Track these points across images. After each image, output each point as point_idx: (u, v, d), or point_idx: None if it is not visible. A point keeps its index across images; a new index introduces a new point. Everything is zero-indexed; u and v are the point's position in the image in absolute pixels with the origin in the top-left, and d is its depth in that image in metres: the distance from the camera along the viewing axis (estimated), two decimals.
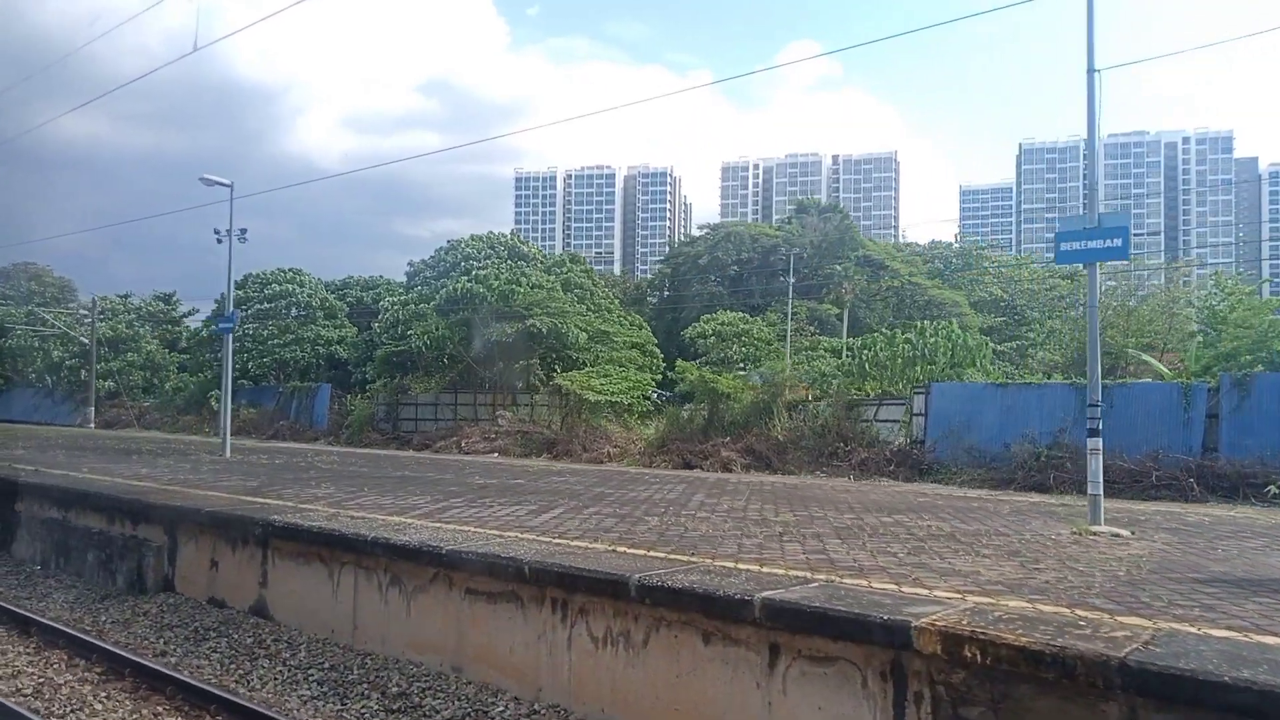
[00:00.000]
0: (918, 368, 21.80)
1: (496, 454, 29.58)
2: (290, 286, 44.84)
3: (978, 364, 21.98)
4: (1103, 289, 68.39)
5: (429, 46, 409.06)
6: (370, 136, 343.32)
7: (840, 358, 46.80)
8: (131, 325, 52.02)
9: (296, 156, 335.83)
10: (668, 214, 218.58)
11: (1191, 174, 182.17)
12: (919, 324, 25.31)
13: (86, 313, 58.30)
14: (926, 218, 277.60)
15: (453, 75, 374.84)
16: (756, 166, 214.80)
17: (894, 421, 22.80)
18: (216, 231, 39.84)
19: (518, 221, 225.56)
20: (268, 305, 43.43)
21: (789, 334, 42.38)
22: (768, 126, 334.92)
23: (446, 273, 39.80)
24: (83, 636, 8.70)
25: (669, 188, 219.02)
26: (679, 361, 28.23)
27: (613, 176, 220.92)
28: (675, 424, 25.80)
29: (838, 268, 53.26)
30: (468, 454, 30.13)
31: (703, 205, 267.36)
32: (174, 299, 58.90)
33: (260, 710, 6.53)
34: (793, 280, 45.27)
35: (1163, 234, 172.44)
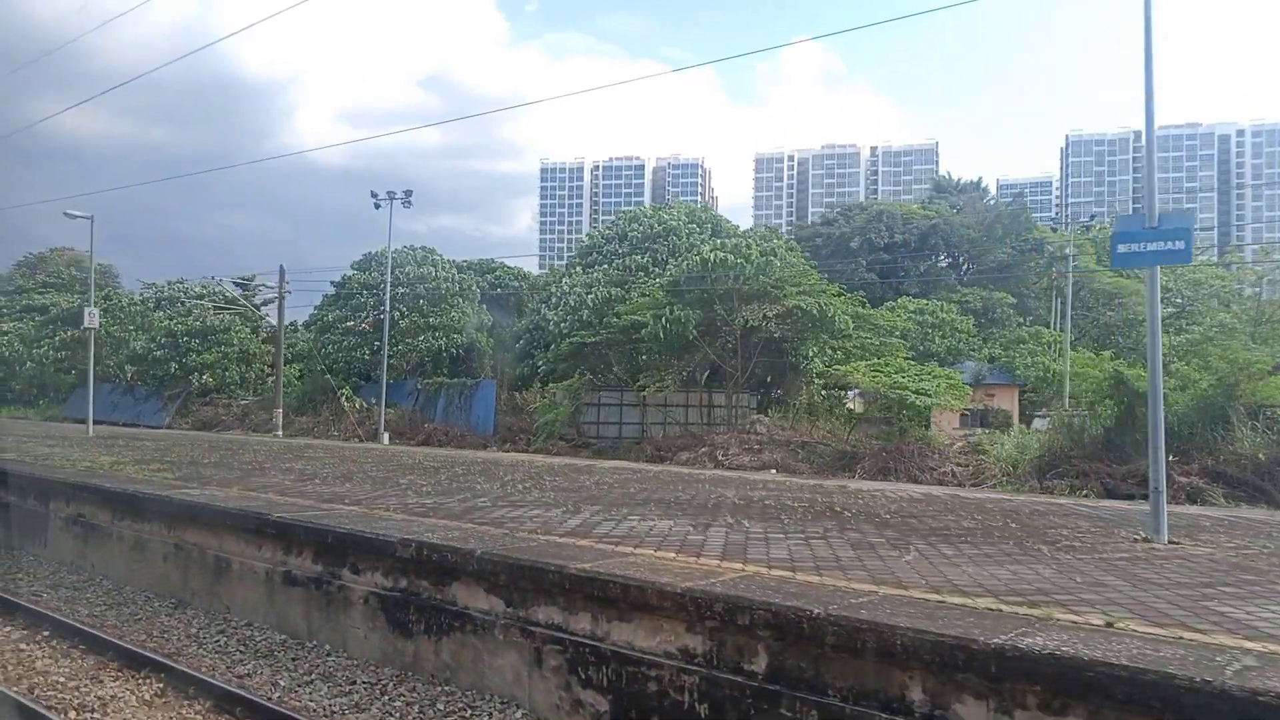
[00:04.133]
0: None
1: (774, 470, 23.22)
2: (425, 269, 38.31)
3: None
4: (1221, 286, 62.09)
5: (427, 42, 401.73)
6: (368, 130, 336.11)
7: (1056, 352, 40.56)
8: (218, 313, 45.40)
9: (293, 150, 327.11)
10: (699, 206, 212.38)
11: (1246, 167, 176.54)
12: None
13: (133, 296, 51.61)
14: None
15: (451, 70, 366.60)
16: (791, 158, 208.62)
17: None
18: (374, 195, 33.44)
19: (543, 213, 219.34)
20: (401, 289, 36.86)
21: (1062, 319, 35.94)
22: (770, 122, 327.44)
23: (639, 248, 33.26)
24: None
25: (700, 179, 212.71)
26: (1078, 352, 21.82)
27: (642, 167, 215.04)
28: (1069, 435, 19.40)
29: (1058, 249, 46.86)
30: (730, 469, 23.76)
31: (725, 199, 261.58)
32: (253, 284, 52.19)
33: None
34: (1053, 263, 38.76)
35: (1215, 229, 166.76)
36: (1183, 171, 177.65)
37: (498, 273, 47.73)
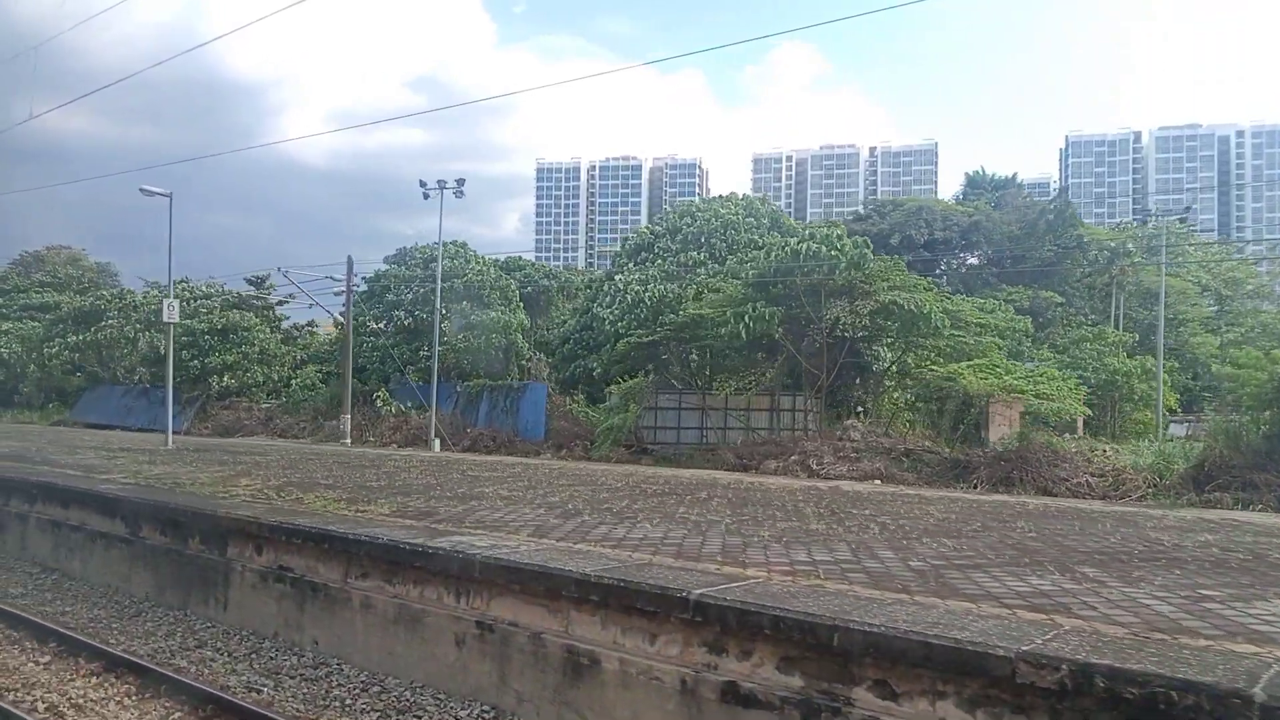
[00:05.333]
0: None
1: (878, 480, 21.42)
2: (457, 263, 36.29)
3: None
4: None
5: (416, 44, 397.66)
6: (353, 132, 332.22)
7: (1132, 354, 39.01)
8: (230, 311, 43.18)
9: (279, 151, 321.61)
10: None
11: (1246, 168, 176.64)
12: None
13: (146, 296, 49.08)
14: None
15: (440, 72, 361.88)
16: (789, 159, 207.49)
17: None
18: (423, 184, 31.28)
19: (539, 214, 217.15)
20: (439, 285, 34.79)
21: (1115, 317, 34.26)
22: (759, 125, 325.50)
23: (693, 242, 31.40)
24: None
25: (698, 179, 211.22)
26: (1246, 349, 20.11)
27: (639, 168, 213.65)
28: (1227, 442, 17.63)
29: (1120, 244, 45.31)
30: (827, 479, 21.94)
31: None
32: (268, 284, 49.93)
33: None
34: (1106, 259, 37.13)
35: (1215, 229, 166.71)
36: (1183, 172, 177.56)
37: (526, 270, 45.79)
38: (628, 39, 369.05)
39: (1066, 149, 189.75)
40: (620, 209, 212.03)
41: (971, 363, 23.24)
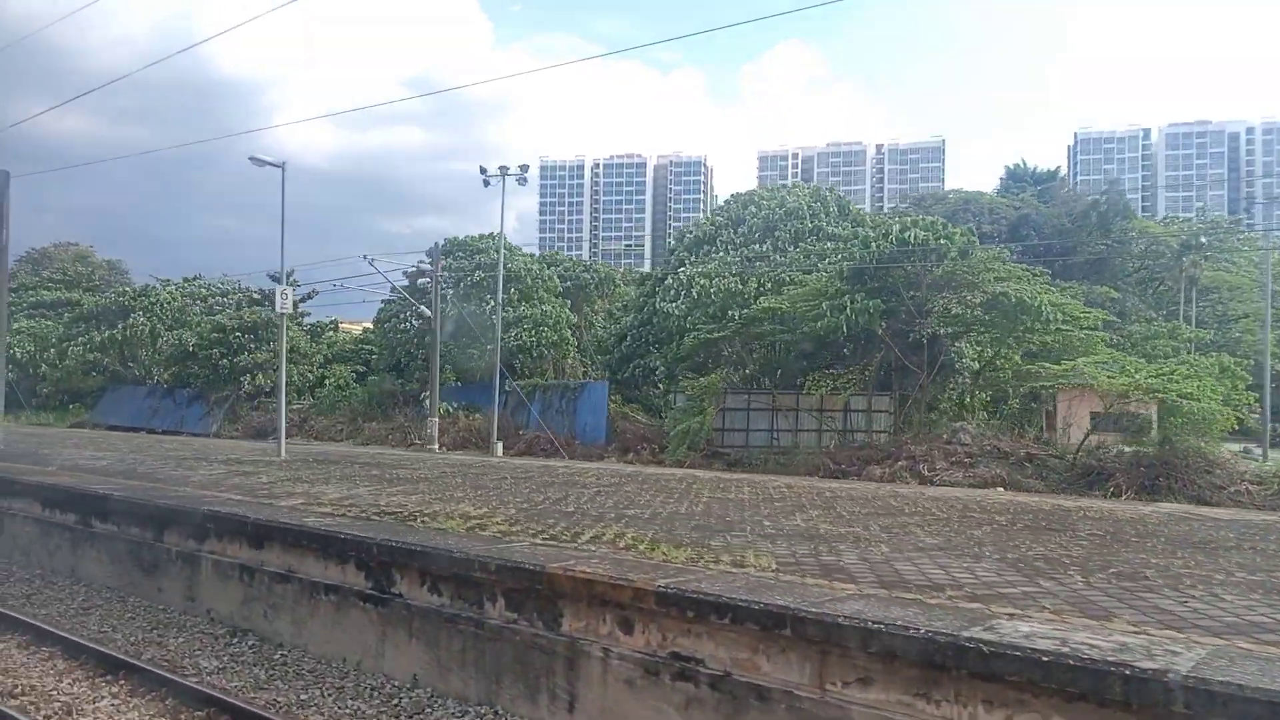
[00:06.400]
0: None
1: (1001, 488, 19.73)
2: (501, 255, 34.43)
3: None
4: None
5: (413, 43, 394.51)
6: (351, 132, 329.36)
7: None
8: (263, 308, 41.26)
9: (275, 151, 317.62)
10: (701, 205, 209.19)
11: (1256, 164, 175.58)
12: None
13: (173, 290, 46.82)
14: None
15: (436, 72, 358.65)
16: (795, 156, 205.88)
17: None
18: (483, 170, 29.36)
19: (542, 212, 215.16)
20: (484, 276, 33.00)
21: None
22: (760, 123, 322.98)
23: (756, 236, 29.67)
24: None
25: (703, 177, 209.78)
26: None
27: (643, 165, 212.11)
28: None
29: (1193, 238, 43.69)
30: (942, 485, 20.24)
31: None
32: (291, 279, 47.85)
33: None
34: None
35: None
36: (1192, 169, 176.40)
37: (565, 265, 44.00)
38: (624, 39, 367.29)
39: (1075, 145, 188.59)
40: (625, 207, 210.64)
41: (1090, 358, 21.54)
